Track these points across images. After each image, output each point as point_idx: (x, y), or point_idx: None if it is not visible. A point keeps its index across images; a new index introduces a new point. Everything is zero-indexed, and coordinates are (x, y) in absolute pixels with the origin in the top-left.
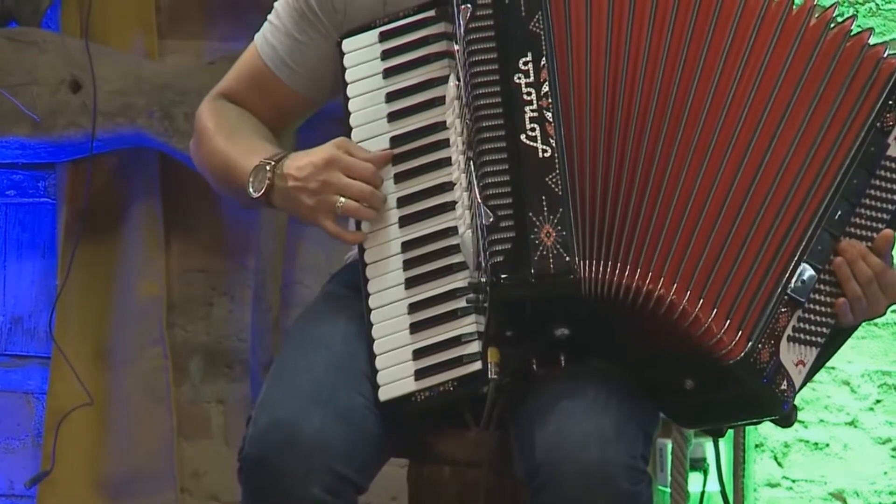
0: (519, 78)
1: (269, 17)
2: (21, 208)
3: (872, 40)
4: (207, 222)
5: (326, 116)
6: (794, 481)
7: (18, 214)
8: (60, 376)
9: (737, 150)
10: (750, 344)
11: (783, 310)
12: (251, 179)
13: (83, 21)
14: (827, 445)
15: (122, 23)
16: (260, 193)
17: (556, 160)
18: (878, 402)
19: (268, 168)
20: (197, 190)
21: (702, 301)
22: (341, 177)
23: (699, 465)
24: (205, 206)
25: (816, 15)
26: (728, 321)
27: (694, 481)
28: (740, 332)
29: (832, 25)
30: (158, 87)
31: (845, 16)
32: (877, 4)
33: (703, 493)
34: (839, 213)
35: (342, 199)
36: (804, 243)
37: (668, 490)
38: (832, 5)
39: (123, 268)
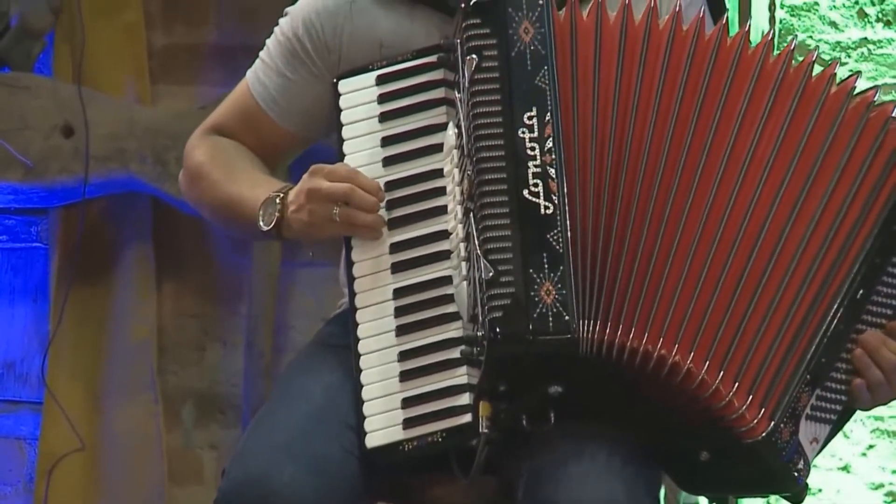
0: (523, 132)
1: (261, 54)
2: (13, 253)
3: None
4: (200, 267)
5: (314, 156)
6: None
7: (11, 259)
8: (52, 422)
9: (755, 218)
10: (773, 423)
11: (805, 389)
12: (261, 213)
13: (76, 66)
14: (820, 491)
15: (115, 68)
16: (270, 226)
17: (559, 217)
18: (870, 447)
19: (277, 201)
20: (189, 234)
21: (722, 373)
22: (324, 181)
23: None
24: (197, 251)
25: (837, 83)
26: (750, 397)
27: None
28: (763, 410)
29: (854, 95)
30: (151, 132)
31: (841, 62)
32: (868, 50)
33: None
34: (861, 291)
35: (336, 209)
36: (826, 323)
37: None
38: (853, 75)
39: (116, 313)
